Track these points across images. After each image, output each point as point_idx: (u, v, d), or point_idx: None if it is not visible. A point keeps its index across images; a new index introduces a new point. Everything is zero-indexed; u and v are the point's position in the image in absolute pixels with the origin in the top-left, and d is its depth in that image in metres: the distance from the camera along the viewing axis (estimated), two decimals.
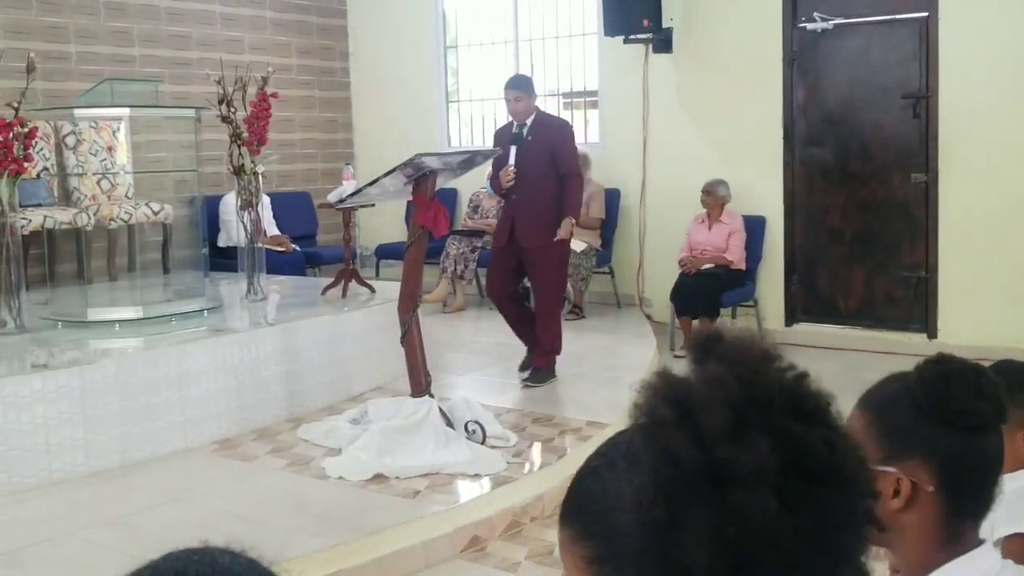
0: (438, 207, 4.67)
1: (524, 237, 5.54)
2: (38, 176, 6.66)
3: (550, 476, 4.31)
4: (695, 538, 0.70)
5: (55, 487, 4.15)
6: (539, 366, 5.66)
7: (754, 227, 7.21)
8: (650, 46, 7.62)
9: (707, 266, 6.95)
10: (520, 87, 5.63)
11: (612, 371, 6.05)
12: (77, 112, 6.48)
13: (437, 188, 4.75)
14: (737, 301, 7.06)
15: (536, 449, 4.64)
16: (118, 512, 3.89)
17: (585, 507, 0.77)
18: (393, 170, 4.59)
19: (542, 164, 5.55)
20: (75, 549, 3.51)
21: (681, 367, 0.80)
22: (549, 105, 9.16)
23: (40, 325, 5.25)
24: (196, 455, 4.59)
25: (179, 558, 0.77)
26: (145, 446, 4.50)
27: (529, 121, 5.60)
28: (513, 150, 5.53)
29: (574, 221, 5.58)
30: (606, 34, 7.68)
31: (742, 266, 7.05)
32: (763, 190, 7.27)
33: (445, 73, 9.20)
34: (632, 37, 7.57)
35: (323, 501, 4.00)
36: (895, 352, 6.12)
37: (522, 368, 5.78)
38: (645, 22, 7.42)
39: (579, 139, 8.46)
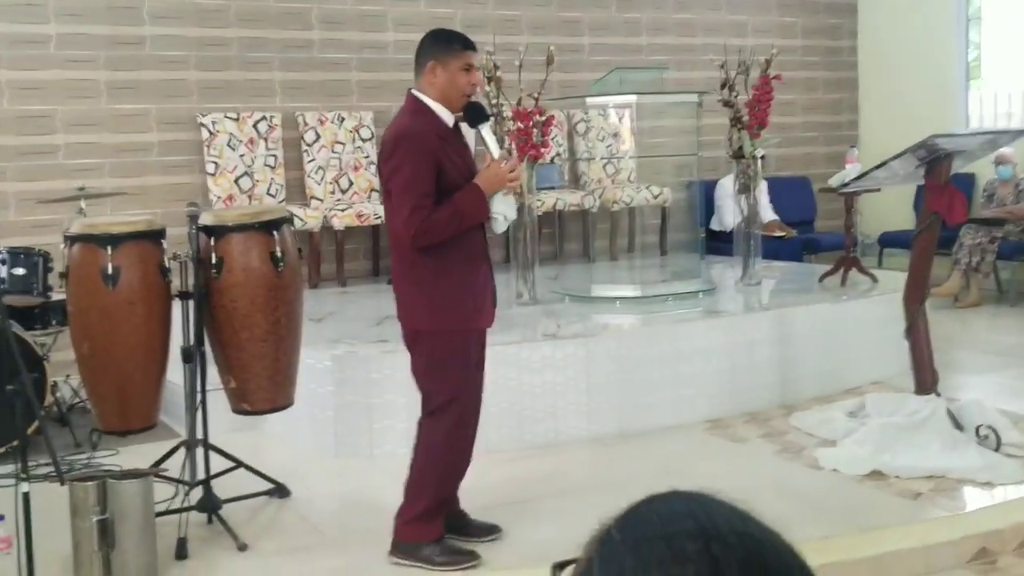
0: (953, 192, 4.30)
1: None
2: (552, 161, 7.19)
3: None
4: None
5: (560, 447, 4.45)
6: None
7: None
8: None
9: None
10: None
11: None
12: (589, 100, 6.87)
13: (952, 172, 4.37)
14: None
15: None
16: (614, 477, 4.08)
17: None
18: (903, 152, 4.29)
19: None
20: (575, 506, 3.71)
21: None
22: None
23: (549, 298, 5.67)
24: (687, 432, 4.66)
25: (683, 498, 0.77)
26: (639, 418, 4.67)
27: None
28: (488, 128, 3.31)
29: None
30: None
31: None
32: None
33: (966, 47, 8.42)
34: None
35: (815, 491, 3.86)
36: None
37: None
38: None
39: None
